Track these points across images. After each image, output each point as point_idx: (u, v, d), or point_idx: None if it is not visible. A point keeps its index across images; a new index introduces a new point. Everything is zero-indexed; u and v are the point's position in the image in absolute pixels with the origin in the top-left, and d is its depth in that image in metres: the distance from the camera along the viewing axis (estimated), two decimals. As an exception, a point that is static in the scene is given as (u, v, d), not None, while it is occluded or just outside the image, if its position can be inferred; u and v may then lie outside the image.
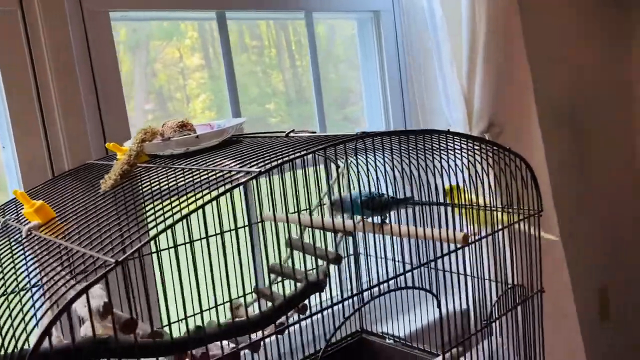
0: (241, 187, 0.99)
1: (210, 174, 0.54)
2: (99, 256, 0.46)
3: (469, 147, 0.82)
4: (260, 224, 1.16)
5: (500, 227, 0.87)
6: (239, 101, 1.21)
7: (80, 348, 0.54)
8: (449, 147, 0.79)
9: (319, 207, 1.03)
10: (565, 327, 1.56)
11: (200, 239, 0.90)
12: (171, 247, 0.87)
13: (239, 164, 0.57)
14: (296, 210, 1.02)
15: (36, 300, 0.47)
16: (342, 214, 0.90)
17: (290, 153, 0.58)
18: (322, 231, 1.05)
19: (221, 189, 0.51)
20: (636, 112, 2.15)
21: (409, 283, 0.95)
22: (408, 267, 0.82)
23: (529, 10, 1.55)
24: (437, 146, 0.78)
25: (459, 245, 0.76)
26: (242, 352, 0.79)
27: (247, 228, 1.19)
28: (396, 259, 1.01)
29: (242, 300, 1.02)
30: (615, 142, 2.08)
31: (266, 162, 0.56)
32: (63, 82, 0.94)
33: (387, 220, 0.89)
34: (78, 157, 0.95)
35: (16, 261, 0.59)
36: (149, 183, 0.58)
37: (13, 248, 0.60)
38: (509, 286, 0.84)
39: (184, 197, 0.50)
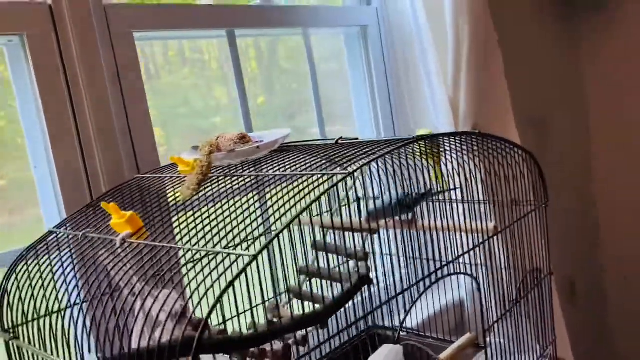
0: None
1: (309, 177, 0.61)
2: (234, 252, 0.51)
3: (491, 147, 0.91)
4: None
5: (517, 218, 0.97)
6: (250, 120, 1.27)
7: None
8: (470, 148, 0.89)
9: (338, 210, 1.10)
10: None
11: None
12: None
13: (329, 166, 0.63)
14: (317, 213, 1.10)
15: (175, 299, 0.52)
16: (385, 220, 0.97)
17: (369, 153, 0.66)
18: (344, 232, 1.12)
19: (325, 186, 0.58)
20: (590, 115, 2.34)
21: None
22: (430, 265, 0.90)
23: (503, 24, 1.68)
24: (460, 147, 0.88)
25: (489, 235, 0.85)
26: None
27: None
28: (422, 257, 1.10)
29: (274, 301, 1.08)
30: (573, 144, 2.27)
31: (352, 162, 0.63)
32: (96, 101, 0.98)
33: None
34: (112, 175, 0.98)
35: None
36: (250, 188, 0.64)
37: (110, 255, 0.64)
38: (529, 270, 0.94)
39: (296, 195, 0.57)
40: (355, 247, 1.01)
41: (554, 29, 2.18)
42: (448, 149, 0.91)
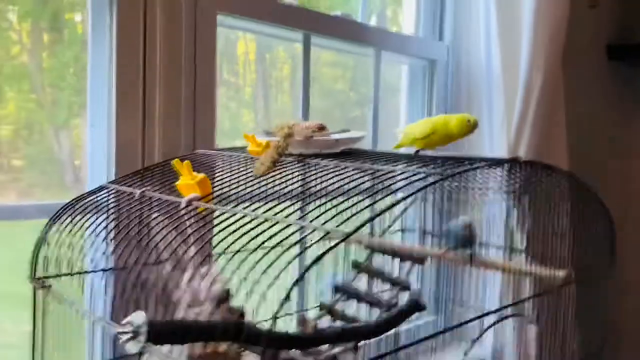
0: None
1: (398, 174, 0.56)
2: (323, 228, 0.47)
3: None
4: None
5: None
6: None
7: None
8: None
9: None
10: None
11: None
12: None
13: (414, 166, 0.59)
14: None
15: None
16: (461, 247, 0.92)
17: (455, 165, 0.61)
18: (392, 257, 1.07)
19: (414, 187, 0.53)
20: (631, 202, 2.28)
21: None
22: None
23: (571, 83, 1.66)
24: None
25: (559, 284, 0.79)
26: None
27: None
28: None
29: (305, 314, 1.02)
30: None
31: (446, 169, 0.58)
32: (168, 73, 0.95)
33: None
34: (168, 149, 0.95)
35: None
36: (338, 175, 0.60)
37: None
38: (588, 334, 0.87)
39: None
40: (398, 275, 0.96)
41: (611, 102, 2.15)
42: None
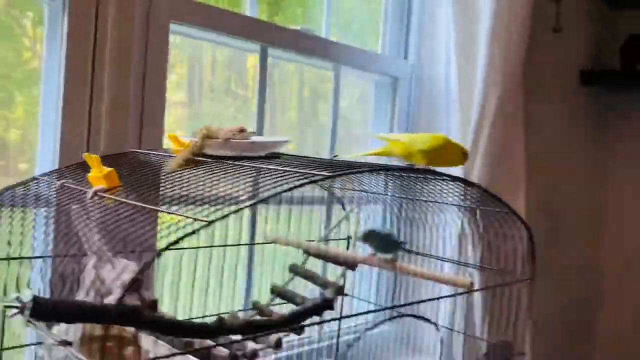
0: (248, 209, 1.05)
1: (285, 174, 0.60)
2: (190, 216, 0.51)
3: (473, 199, 0.90)
4: (262, 245, 1.22)
5: (491, 284, 0.94)
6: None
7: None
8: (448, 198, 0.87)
9: (327, 239, 1.09)
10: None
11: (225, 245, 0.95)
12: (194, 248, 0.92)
13: (310, 169, 0.63)
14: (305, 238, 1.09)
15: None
16: (376, 246, 0.96)
17: (357, 168, 0.65)
18: (323, 262, 1.11)
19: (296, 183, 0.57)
20: (605, 225, 2.31)
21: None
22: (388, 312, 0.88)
23: (535, 107, 1.70)
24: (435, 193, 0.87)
25: (461, 290, 0.83)
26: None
27: (247, 247, 1.23)
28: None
29: (236, 314, 1.06)
30: (581, 247, 2.23)
31: (336, 171, 0.62)
32: (117, 76, 1.00)
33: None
34: (113, 146, 0.99)
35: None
36: (223, 173, 0.64)
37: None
38: (497, 342, 0.91)
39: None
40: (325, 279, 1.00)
41: (585, 129, 2.19)
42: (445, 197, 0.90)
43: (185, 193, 0.60)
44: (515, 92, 1.50)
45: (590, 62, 2.15)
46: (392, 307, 0.78)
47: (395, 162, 0.95)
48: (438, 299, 0.81)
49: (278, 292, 1.04)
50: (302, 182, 0.54)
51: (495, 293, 0.97)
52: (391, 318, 0.76)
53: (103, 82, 0.99)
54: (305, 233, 1.05)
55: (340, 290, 0.98)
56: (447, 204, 1.01)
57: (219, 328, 0.73)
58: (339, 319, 0.75)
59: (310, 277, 1.06)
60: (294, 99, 1.49)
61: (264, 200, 0.54)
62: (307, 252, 1.09)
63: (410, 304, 0.80)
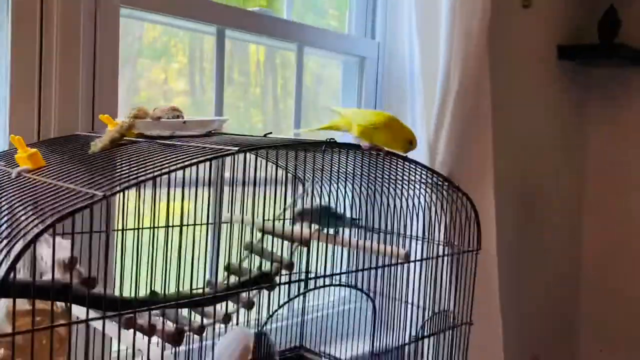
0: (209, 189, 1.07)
1: (192, 149, 0.62)
2: (86, 190, 0.52)
3: (422, 178, 0.91)
4: (218, 225, 1.23)
5: (440, 254, 0.96)
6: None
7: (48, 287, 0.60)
8: (403, 176, 0.89)
9: (281, 217, 1.11)
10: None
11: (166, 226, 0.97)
12: (136, 228, 0.93)
13: (220, 145, 0.64)
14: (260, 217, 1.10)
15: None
16: (310, 223, 0.97)
17: (266, 143, 0.67)
18: (278, 239, 1.12)
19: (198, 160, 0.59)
20: (584, 202, 2.31)
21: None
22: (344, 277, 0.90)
23: (499, 80, 1.69)
24: (394, 173, 0.88)
25: (400, 261, 0.84)
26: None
27: (205, 226, 1.25)
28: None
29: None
30: (561, 224, 2.23)
31: (244, 147, 0.64)
32: (66, 59, 1.01)
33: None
34: (65, 130, 1.01)
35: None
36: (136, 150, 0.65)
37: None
38: (439, 311, 0.92)
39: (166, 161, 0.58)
40: (281, 255, 1.01)
41: (563, 104, 2.18)
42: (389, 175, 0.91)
43: (99, 171, 0.61)
44: (479, 69, 1.49)
45: (568, 37, 2.14)
46: (330, 275, 0.80)
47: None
48: (374, 268, 0.83)
49: (232, 270, 1.06)
50: (194, 161, 0.55)
51: (443, 264, 0.98)
52: (325, 285, 0.78)
53: (52, 67, 1.01)
54: (267, 214, 1.07)
55: (290, 267, 1.00)
56: (400, 180, 1.02)
57: (150, 301, 0.75)
58: (269, 286, 0.76)
59: (263, 254, 1.08)
60: (258, 79, 1.50)
61: (155, 178, 0.55)
62: (262, 231, 1.11)
63: (346, 272, 0.82)
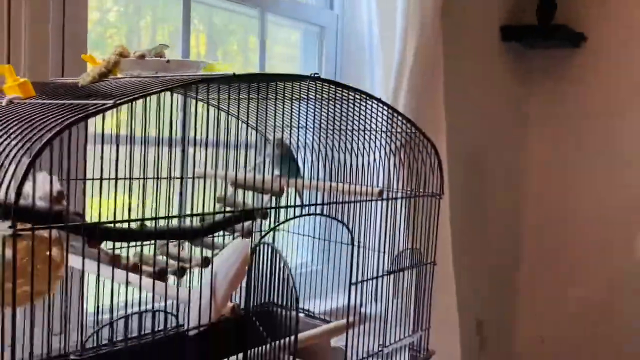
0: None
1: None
2: (94, 102, 0.54)
3: (389, 121, 0.97)
4: (192, 180, 1.25)
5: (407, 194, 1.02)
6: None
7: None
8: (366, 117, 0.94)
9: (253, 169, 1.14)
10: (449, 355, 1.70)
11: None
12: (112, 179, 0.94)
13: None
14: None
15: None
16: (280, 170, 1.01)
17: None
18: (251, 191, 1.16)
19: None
20: (526, 163, 2.45)
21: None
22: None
23: (451, 51, 1.78)
24: (358, 115, 0.93)
25: (374, 198, 0.90)
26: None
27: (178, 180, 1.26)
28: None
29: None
30: (507, 185, 2.37)
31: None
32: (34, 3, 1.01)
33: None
34: (35, 77, 1.00)
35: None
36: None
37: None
38: (408, 248, 0.99)
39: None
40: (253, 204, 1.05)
41: (506, 83, 2.31)
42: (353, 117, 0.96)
43: (94, 94, 0.63)
44: (433, 42, 1.57)
45: (510, 18, 2.26)
46: (308, 205, 0.84)
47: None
48: (350, 202, 0.88)
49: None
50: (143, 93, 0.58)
51: (411, 207, 1.04)
52: (302, 215, 0.82)
53: (20, 13, 1.00)
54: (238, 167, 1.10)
55: (264, 215, 1.04)
56: (369, 130, 1.07)
57: (141, 232, 0.77)
58: (255, 216, 0.80)
59: (237, 206, 1.11)
60: (220, 48, 1.52)
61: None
62: (234, 184, 1.14)
63: (321, 204, 0.87)
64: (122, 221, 0.68)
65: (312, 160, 1.03)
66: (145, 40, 1.37)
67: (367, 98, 0.92)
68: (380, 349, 0.92)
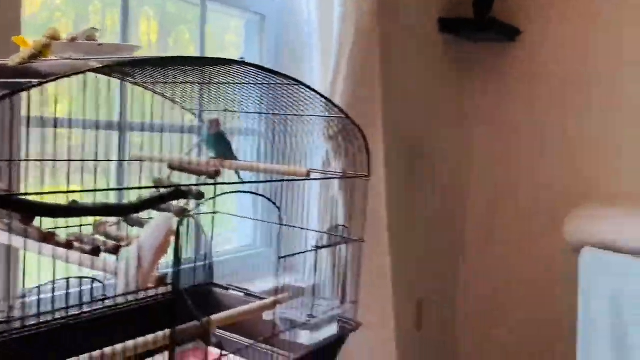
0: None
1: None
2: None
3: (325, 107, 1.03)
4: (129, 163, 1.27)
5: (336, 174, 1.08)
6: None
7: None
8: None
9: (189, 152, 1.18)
10: (383, 335, 1.77)
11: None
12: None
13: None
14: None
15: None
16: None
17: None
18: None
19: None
20: (467, 148, 2.56)
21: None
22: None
23: (390, 40, 1.85)
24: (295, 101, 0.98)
25: (303, 178, 0.95)
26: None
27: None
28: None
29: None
30: (448, 170, 2.47)
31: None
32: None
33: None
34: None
35: None
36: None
37: None
38: (336, 225, 1.05)
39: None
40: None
41: (444, 74, 2.41)
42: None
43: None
44: (370, 29, 1.63)
45: (449, 10, 2.35)
46: (239, 183, 0.88)
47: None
48: (280, 181, 0.93)
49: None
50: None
51: (342, 188, 1.09)
52: (229, 192, 0.87)
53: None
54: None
55: (199, 195, 1.08)
56: (305, 115, 1.12)
57: (72, 208, 0.80)
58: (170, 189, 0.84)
59: (168, 185, 1.15)
60: (155, 37, 1.54)
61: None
62: (171, 167, 1.17)
63: (249, 182, 0.91)
64: (39, 193, 0.70)
65: (253, 144, 1.07)
66: (94, 25, 1.38)
67: (296, 83, 0.97)
68: (307, 319, 0.97)
